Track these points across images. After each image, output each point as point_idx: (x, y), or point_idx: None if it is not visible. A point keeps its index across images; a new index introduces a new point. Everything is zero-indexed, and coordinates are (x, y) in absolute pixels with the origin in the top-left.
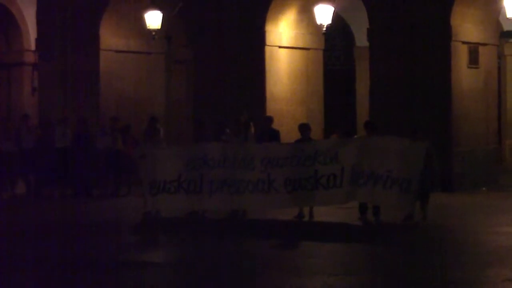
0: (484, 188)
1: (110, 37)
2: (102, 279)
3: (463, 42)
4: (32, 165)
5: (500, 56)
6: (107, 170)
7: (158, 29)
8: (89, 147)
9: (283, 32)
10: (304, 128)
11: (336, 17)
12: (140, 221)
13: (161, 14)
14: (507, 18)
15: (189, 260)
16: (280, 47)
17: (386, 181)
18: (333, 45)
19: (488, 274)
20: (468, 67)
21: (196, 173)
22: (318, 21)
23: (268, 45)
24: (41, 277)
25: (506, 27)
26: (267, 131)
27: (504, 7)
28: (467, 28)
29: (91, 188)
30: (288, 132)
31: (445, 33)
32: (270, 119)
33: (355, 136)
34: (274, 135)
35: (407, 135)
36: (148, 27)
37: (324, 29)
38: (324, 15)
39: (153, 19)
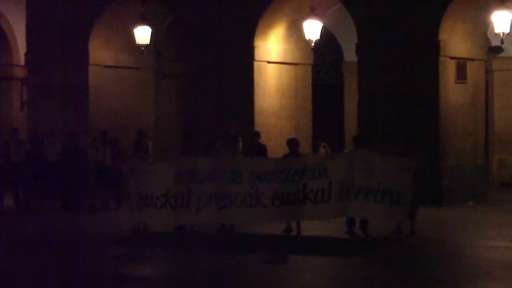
0: (471, 203)
1: (99, 52)
2: None
3: (451, 57)
4: (21, 178)
5: (488, 71)
6: (96, 183)
7: (147, 44)
8: (78, 160)
9: (272, 47)
10: (292, 143)
11: (325, 32)
12: (128, 235)
13: (150, 30)
14: (495, 33)
15: (177, 275)
16: (268, 62)
17: (377, 194)
18: (322, 60)
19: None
20: (456, 82)
21: (184, 187)
22: (307, 36)
23: (257, 60)
24: None
25: (494, 42)
26: (255, 146)
27: (492, 22)
28: (455, 43)
29: (80, 201)
30: (276, 146)
31: (433, 48)
32: (257, 134)
33: (344, 151)
34: (261, 150)
35: (397, 149)
36: (137, 42)
37: (313, 44)
38: (312, 30)
39: (142, 34)
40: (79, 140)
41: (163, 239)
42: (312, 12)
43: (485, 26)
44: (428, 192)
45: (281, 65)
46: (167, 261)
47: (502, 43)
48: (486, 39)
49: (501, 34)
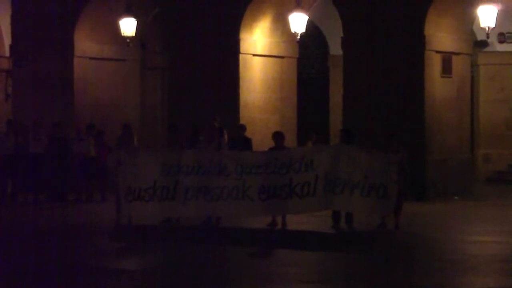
0: (456, 197)
1: (85, 44)
2: (76, 286)
3: (437, 51)
4: (7, 170)
5: (474, 66)
6: (81, 175)
7: (132, 36)
8: (64, 152)
9: (257, 40)
10: (277, 137)
11: (311, 25)
12: (113, 228)
13: (136, 21)
14: (481, 27)
15: (162, 268)
16: (254, 55)
17: (363, 187)
18: (307, 53)
19: (462, 282)
20: (442, 76)
21: (170, 180)
22: (293, 30)
23: (242, 53)
24: (11, 283)
25: (480, 37)
26: (240, 139)
27: (478, 17)
28: (440, 37)
29: (65, 193)
30: (262, 140)
31: (418, 42)
32: (243, 127)
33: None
34: (247, 143)
35: (383, 140)
36: (122, 34)
37: (298, 37)
38: (298, 23)
39: (128, 26)
40: (64, 132)
41: (148, 232)
42: (298, 5)
43: (471, 20)
44: (413, 186)
45: (267, 58)
46: (152, 254)
47: (487, 37)
48: (471, 33)
49: (487, 28)
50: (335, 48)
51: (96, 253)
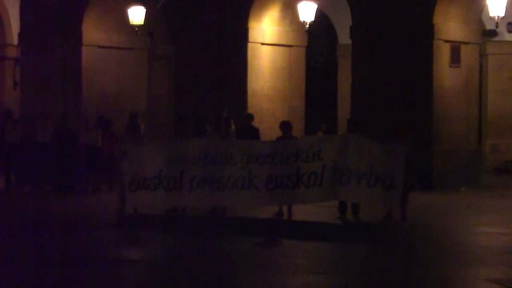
0: (463, 188)
1: (93, 33)
2: (80, 275)
3: (445, 41)
4: (13, 160)
5: (482, 55)
6: (88, 165)
7: (141, 25)
8: (71, 142)
9: (266, 29)
10: (285, 126)
11: (320, 14)
12: (117, 218)
13: (144, 10)
14: (490, 17)
15: (169, 258)
16: (262, 44)
17: (370, 178)
18: (316, 42)
19: (468, 274)
20: (450, 66)
21: (176, 169)
22: (301, 18)
23: (251, 42)
24: (18, 272)
25: (489, 26)
26: (247, 129)
27: (486, 6)
28: (449, 26)
29: (72, 184)
30: (269, 129)
31: (427, 32)
32: (250, 117)
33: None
34: (254, 133)
35: (389, 133)
36: (131, 23)
37: (307, 26)
38: (307, 12)
39: (136, 14)
40: (71, 122)
41: (154, 222)
42: None
43: (480, 9)
44: (420, 177)
45: (275, 47)
46: (158, 244)
47: (497, 27)
48: (480, 22)
49: (496, 17)
50: (344, 37)
51: (102, 243)
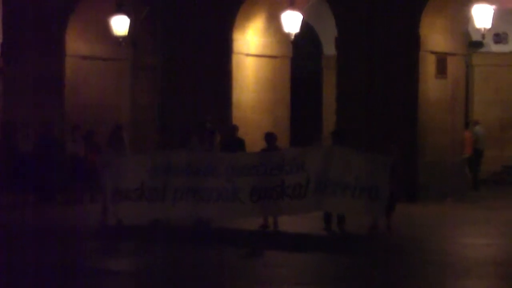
0: (449, 199)
1: (76, 43)
2: (62, 287)
3: (431, 52)
4: None
5: (468, 66)
6: (70, 176)
7: (125, 35)
8: (53, 153)
9: (250, 40)
10: (270, 137)
11: (304, 25)
12: (100, 229)
13: (128, 20)
14: (476, 28)
15: (152, 269)
16: (247, 55)
17: (355, 189)
18: (301, 53)
19: (453, 285)
20: (436, 77)
21: (159, 181)
22: (286, 30)
23: (235, 53)
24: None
25: (475, 37)
26: (232, 140)
27: (472, 17)
28: (435, 38)
29: (54, 194)
30: (254, 141)
31: (413, 43)
32: (235, 128)
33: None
34: (239, 144)
35: (376, 141)
36: (115, 33)
37: (292, 37)
38: (292, 23)
39: (120, 25)
40: (54, 132)
41: (138, 233)
42: (291, 4)
43: (465, 21)
44: (405, 188)
45: (260, 58)
46: (142, 255)
47: (483, 38)
48: (466, 34)
49: (482, 29)
50: (329, 48)
51: (85, 254)
